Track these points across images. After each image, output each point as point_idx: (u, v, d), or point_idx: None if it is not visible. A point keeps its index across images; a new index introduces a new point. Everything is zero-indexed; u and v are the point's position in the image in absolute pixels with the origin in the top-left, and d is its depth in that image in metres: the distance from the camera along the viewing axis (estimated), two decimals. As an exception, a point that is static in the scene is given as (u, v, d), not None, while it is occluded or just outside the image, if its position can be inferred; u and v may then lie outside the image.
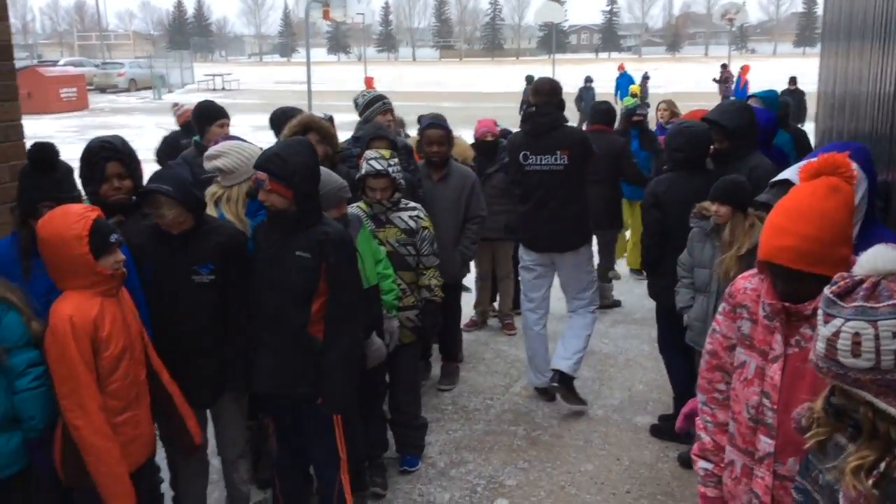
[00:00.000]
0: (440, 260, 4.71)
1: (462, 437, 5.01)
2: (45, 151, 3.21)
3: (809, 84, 11.18)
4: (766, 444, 2.28)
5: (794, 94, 20.88)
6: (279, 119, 5.60)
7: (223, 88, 43.47)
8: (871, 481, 1.68)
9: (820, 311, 1.77)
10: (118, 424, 2.92)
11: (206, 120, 5.42)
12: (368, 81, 19.49)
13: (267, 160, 3.35)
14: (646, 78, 24.98)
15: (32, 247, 2.99)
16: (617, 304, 7.64)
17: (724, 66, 26.42)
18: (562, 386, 5.24)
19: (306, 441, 3.67)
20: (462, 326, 6.36)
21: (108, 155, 3.47)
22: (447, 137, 5.42)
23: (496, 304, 7.22)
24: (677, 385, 4.91)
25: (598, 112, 7.30)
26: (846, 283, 1.74)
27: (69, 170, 3.33)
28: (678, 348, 4.76)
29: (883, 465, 1.69)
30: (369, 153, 4.39)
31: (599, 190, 6.52)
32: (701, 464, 2.58)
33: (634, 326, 7.01)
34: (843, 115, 6.00)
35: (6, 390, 2.80)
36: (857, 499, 1.71)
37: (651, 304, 6.90)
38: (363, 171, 4.32)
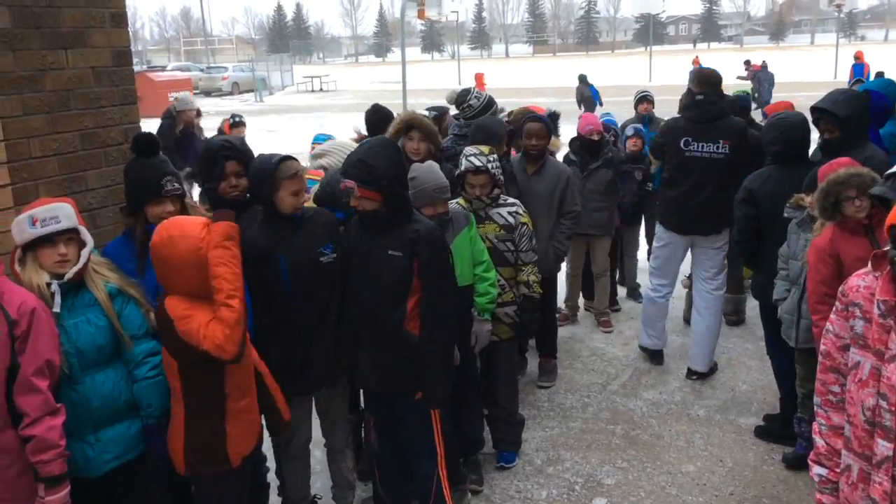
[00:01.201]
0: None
1: (559, 435, 4.97)
2: (149, 138, 3.42)
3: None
4: (884, 447, 2.19)
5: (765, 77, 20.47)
6: (372, 117, 5.70)
7: (321, 89, 44.51)
8: None
9: None
10: (239, 411, 3.02)
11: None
12: (479, 78, 19.45)
13: (353, 167, 3.40)
14: (763, 66, 23.70)
15: (147, 240, 3.09)
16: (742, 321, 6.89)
17: (747, 63, 25.07)
18: (701, 378, 5.72)
19: (405, 435, 3.73)
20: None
21: (228, 154, 3.64)
22: (547, 130, 5.39)
23: (582, 301, 7.16)
24: (785, 386, 4.73)
25: (731, 106, 6.50)
26: None
27: (167, 158, 3.53)
28: (786, 348, 4.58)
29: None
30: (469, 149, 4.40)
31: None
32: (816, 469, 2.50)
33: (738, 325, 6.79)
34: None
35: (126, 379, 2.96)
36: None
37: (753, 303, 6.70)
38: (462, 168, 4.34)
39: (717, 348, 6.14)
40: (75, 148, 3.75)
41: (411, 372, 3.47)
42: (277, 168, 3.38)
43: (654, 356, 6.08)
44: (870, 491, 2.24)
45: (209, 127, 10.99)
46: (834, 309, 2.41)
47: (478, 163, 4.28)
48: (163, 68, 45.24)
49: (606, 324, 6.85)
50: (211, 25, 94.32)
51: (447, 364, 3.55)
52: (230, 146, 3.69)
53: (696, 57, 25.39)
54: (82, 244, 2.92)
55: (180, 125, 9.06)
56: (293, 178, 3.41)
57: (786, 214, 4.29)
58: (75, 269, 2.85)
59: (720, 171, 5.34)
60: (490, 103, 5.66)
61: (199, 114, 9.64)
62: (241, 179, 3.64)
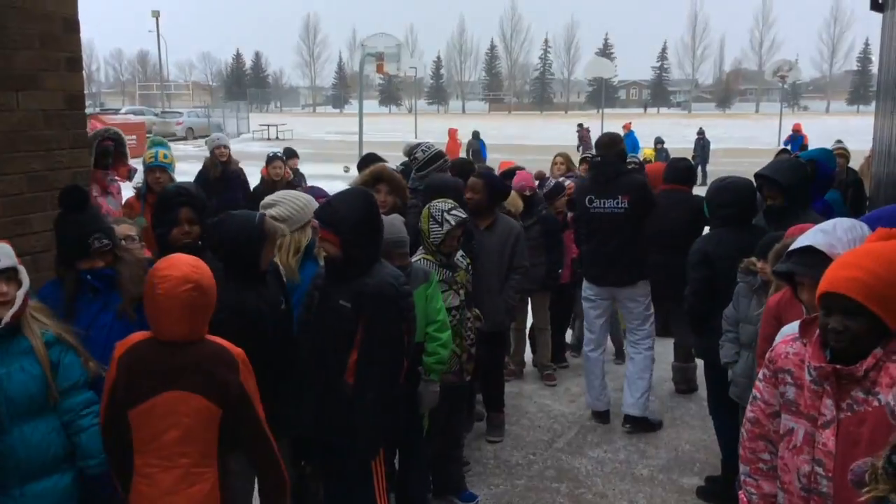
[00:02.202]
0: (486, 308, 5.05)
1: (504, 493, 4.94)
2: (78, 191, 3.36)
3: (863, 142, 11.03)
4: None
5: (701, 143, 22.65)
6: (363, 165, 5.89)
7: (277, 138, 44.51)
8: None
9: None
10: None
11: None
12: (452, 134, 19.65)
13: (320, 208, 3.50)
14: (700, 134, 24.87)
15: (77, 290, 3.14)
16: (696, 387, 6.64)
17: (580, 126, 26.51)
18: (634, 427, 5.84)
19: (345, 489, 3.67)
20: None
21: (183, 200, 3.64)
22: (485, 186, 5.46)
23: (529, 357, 7.21)
24: (726, 447, 4.79)
25: (675, 170, 6.53)
26: None
27: (97, 213, 3.51)
28: (728, 408, 4.66)
29: None
30: (442, 204, 4.47)
31: (676, 257, 5.42)
32: None
33: (684, 394, 6.86)
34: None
35: (58, 431, 2.86)
36: None
37: (698, 363, 6.78)
38: (452, 223, 4.39)
39: (662, 408, 6.22)
40: (21, 190, 3.70)
41: (348, 423, 3.45)
42: (263, 227, 3.41)
43: (598, 416, 6.10)
44: None
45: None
46: (762, 376, 2.43)
47: (462, 215, 4.42)
48: (116, 111, 44.90)
49: (550, 378, 6.89)
50: (168, 70, 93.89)
51: (375, 420, 3.47)
52: (185, 192, 3.68)
53: (629, 122, 26.19)
54: (20, 285, 2.86)
55: (216, 167, 8.25)
56: (275, 238, 3.47)
57: (738, 280, 4.39)
58: (12, 311, 2.77)
59: (622, 224, 5.69)
60: (437, 157, 5.76)
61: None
62: (195, 226, 3.63)
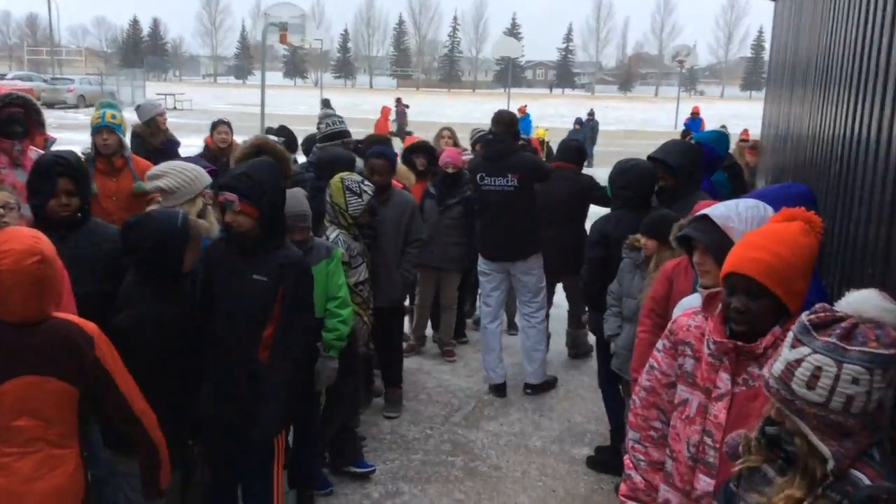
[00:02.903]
0: (384, 282, 5.13)
1: (399, 468, 4.92)
2: None
3: (755, 126, 11.48)
4: (705, 483, 2.24)
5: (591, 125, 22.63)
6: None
7: (175, 108, 42.91)
8: None
9: (790, 335, 1.77)
10: None
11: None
12: (385, 111, 19.20)
13: (236, 180, 3.30)
14: (590, 115, 25.30)
15: None
16: (590, 350, 6.85)
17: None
18: (535, 390, 6.14)
19: (242, 474, 3.58)
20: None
21: (60, 170, 3.41)
22: (388, 167, 5.46)
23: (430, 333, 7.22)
24: (614, 418, 4.92)
25: (566, 149, 6.76)
26: (826, 316, 1.74)
27: None
28: (615, 381, 4.78)
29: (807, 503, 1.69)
30: (355, 176, 4.49)
31: (566, 232, 6.23)
32: None
33: (576, 359, 7.02)
34: (785, 156, 6.15)
35: None
36: None
37: (591, 339, 6.94)
38: (371, 193, 4.46)
39: (558, 382, 6.34)
40: None
41: (258, 400, 3.35)
42: (187, 227, 3.24)
43: (495, 389, 6.19)
44: None
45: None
46: (661, 347, 2.47)
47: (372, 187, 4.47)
48: (2, 77, 42.23)
49: (450, 353, 6.92)
50: (59, 35, 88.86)
51: (286, 397, 3.42)
52: (64, 162, 3.45)
53: (524, 106, 26.44)
54: None
55: (159, 135, 7.60)
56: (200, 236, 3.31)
57: (624, 255, 4.48)
58: None
59: (512, 202, 5.82)
60: (337, 135, 5.66)
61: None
62: (73, 199, 3.42)
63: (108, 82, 43.26)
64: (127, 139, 5.49)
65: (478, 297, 7.68)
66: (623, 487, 2.55)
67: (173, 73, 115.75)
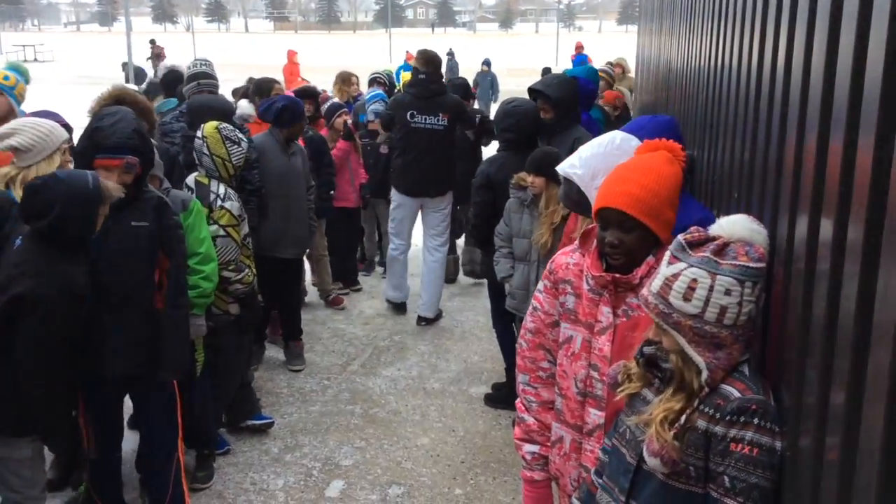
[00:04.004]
0: (294, 234, 5.34)
1: (297, 421, 4.90)
2: None
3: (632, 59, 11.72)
4: (595, 416, 2.29)
5: (489, 76, 22.20)
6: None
7: (35, 60, 40.12)
8: (672, 432, 1.77)
9: (668, 253, 1.84)
10: None
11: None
12: (291, 55, 18.14)
13: (129, 139, 3.20)
14: (450, 55, 25.17)
15: None
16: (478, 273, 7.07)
17: (152, 42, 26.57)
18: (429, 323, 6.47)
19: (145, 423, 3.63)
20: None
21: None
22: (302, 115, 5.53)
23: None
24: (509, 355, 5.03)
25: (455, 87, 7.12)
26: (699, 236, 1.83)
27: None
28: (509, 320, 4.87)
29: (684, 417, 1.77)
30: (231, 128, 4.35)
31: (464, 167, 6.52)
32: (526, 448, 2.55)
33: (470, 299, 7.13)
34: (657, 89, 6.31)
35: None
36: (659, 450, 1.78)
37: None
38: (244, 149, 4.32)
39: (452, 323, 6.43)
40: None
41: (158, 347, 3.35)
42: (100, 189, 2.99)
43: (397, 308, 6.67)
44: (581, 459, 2.34)
45: None
46: (541, 288, 2.49)
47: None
48: None
49: (337, 301, 6.88)
50: None
51: (186, 333, 3.50)
52: None
53: (410, 53, 26.02)
54: None
55: None
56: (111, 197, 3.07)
57: (511, 195, 4.51)
58: None
59: (440, 140, 6.14)
60: (193, 77, 5.36)
61: None
62: None
63: (-44, 34, 39.87)
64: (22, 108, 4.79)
65: (365, 242, 7.67)
66: (517, 430, 2.59)
67: (31, 21, 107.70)
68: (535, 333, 2.52)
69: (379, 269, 7.81)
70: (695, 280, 1.75)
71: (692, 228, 1.88)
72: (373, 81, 8.46)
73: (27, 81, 4.91)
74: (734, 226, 1.86)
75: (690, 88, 3.91)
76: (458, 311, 6.81)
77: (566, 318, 2.39)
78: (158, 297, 3.36)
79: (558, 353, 2.43)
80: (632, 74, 8.05)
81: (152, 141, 3.80)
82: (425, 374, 5.57)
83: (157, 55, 24.16)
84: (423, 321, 6.45)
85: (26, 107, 4.69)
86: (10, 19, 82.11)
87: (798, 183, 1.71)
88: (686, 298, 1.76)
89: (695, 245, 1.82)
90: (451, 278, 7.34)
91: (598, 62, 10.72)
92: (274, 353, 5.85)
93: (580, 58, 22.80)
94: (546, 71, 16.87)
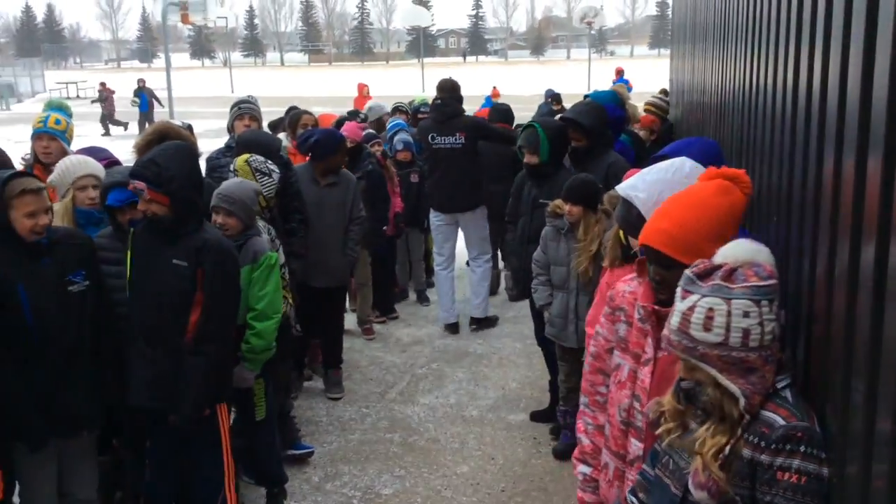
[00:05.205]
0: (331, 263, 5.39)
1: (337, 449, 4.91)
2: None
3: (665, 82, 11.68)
4: (636, 447, 2.28)
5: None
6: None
7: (78, 96, 41.21)
8: (718, 464, 1.75)
9: (679, 289, 1.84)
10: None
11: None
12: (360, 88, 18.43)
13: (143, 168, 3.23)
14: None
15: None
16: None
17: (102, 84, 26.76)
18: (480, 326, 6.93)
19: (191, 458, 3.56)
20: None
21: None
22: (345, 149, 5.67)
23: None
24: (554, 370, 4.94)
25: (497, 112, 7.67)
26: (705, 266, 1.83)
27: None
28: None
29: (728, 448, 1.75)
30: (258, 157, 4.35)
31: (501, 188, 6.48)
32: (580, 468, 2.57)
33: (507, 326, 7.10)
34: (691, 109, 6.29)
35: None
36: (706, 483, 1.76)
37: (522, 304, 7.04)
38: (276, 180, 4.36)
39: (490, 350, 6.42)
40: None
41: (183, 384, 3.30)
42: (5, 186, 3.00)
43: (450, 328, 6.93)
44: (624, 488, 2.32)
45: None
46: (604, 313, 2.50)
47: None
48: None
49: (369, 331, 6.90)
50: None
51: (207, 382, 3.34)
52: None
53: (620, 67, 25.78)
54: None
55: None
56: (25, 195, 3.02)
57: (547, 223, 4.52)
58: None
59: (461, 157, 6.55)
60: (232, 106, 5.48)
61: None
62: None
63: (5, 73, 41.21)
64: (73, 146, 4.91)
65: (398, 267, 7.70)
66: (576, 450, 2.61)
67: (73, 59, 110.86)
68: (596, 358, 2.54)
69: (412, 297, 7.85)
70: (711, 309, 1.75)
71: (697, 261, 1.88)
72: (395, 110, 8.62)
73: (70, 117, 5.09)
74: (736, 250, 1.87)
75: (726, 110, 3.90)
76: (495, 338, 6.79)
77: (618, 346, 2.39)
78: (191, 334, 3.33)
79: (610, 379, 2.44)
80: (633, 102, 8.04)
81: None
82: (463, 402, 5.55)
83: (104, 99, 24.92)
84: (475, 323, 6.91)
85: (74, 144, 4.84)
86: (53, 57, 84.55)
87: (837, 204, 1.70)
88: (707, 329, 1.75)
89: (703, 276, 1.81)
90: (493, 291, 7.59)
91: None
92: (313, 381, 5.88)
93: (620, 81, 22.75)
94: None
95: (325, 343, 5.78)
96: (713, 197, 2.13)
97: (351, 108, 9.50)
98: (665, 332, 1.86)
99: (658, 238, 2.11)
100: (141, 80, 24.64)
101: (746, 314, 1.73)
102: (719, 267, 1.81)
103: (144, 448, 3.73)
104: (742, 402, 1.74)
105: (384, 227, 6.69)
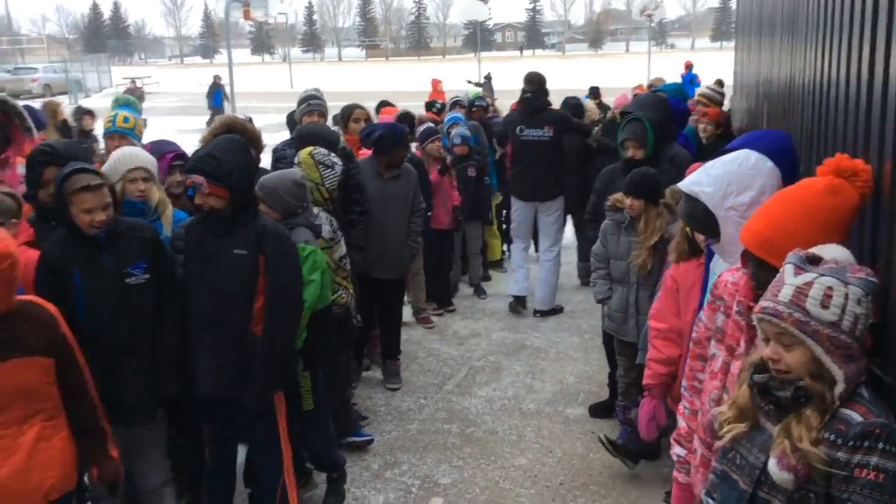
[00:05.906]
0: (393, 256, 5.47)
1: (396, 438, 4.97)
2: None
3: (728, 75, 11.46)
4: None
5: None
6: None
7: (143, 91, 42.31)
8: (810, 444, 1.74)
9: (789, 266, 1.82)
10: None
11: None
12: (435, 84, 18.66)
13: (201, 162, 3.29)
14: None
15: None
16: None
17: (131, 80, 26.22)
18: (544, 315, 7.12)
19: (251, 444, 3.68)
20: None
21: (46, 159, 3.37)
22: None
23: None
24: (614, 365, 4.91)
25: (567, 106, 7.78)
26: (811, 255, 1.84)
27: None
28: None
29: (814, 433, 1.74)
30: (320, 149, 4.42)
31: (575, 177, 7.15)
32: (675, 449, 2.61)
33: (565, 319, 7.09)
34: (758, 102, 6.18)
35: None
36: (794, 465, 1.74)
37: (580, 298, 7.04)
38: (339, 172, 4.43)
39: (547, 344, 6.41)
40: None
41: (252, 374, 3.36)
42: (65, 181, 3.10)
43: (518, 301, 7.23)
44: (709, 476, 2.28)
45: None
46: (708, 300, 2.50)
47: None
48: (-39, 70, 41.40)
49: (426, 321, 7.00)
50: (19, 24, 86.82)
51: (276, 365, 3.41)
52: (49, 151, 3.42)
53: (689, 61, 25.48)
54: None
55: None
56: (83, 192, 3.09)
57: (607, 216, 4.50)
58: None
59: (548, 149, 6.78)
60: (301, 100, 5.58)
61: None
62: None
63: (73, 69, 42.35)
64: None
65: (455, 261, 7.75)
66: (675, 432, 2.64)
67: (138, 56, 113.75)
68: (697, 344, 2.55)
69: (467, 290, 7.89)
70: (830, 288, 1.75)
71: (797, 249, 1.87)
72: (454, 104, 8.64)
73: (139, 112, 5.16)
74: (826, 250, 1.87)
75: (794, 103, 3.83)
76: (552, 332, 6.78)
77: (715, 336, 2.40)
78: (258, 325, 3.38)
79: (706, 367, 2.44)
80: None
81: (262, 168, 3.91)
82: (521, 395, 5.56)
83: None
84: (539, 313, 7.09)
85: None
86: (119, 54, 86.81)
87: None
88: (824, 306, 1.75)
89: (812, 261, 1.82)
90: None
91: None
92: (371, 371, 5.96)
93: (689, 75, 22.34)
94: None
95: (383, 334, 5.87)
96: (816, 197, 2.03)
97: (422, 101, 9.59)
98: (769, 304, 1.82)
99: (752, 239, 2.08)
100: (217, 77, 25.14)
101: (859, 302, 1.75)
102: (820, 259, 1.82)
103: (201, 436, 3.83)
104: (841, 387, 1.74)
105: (429, 214, 6.64)
